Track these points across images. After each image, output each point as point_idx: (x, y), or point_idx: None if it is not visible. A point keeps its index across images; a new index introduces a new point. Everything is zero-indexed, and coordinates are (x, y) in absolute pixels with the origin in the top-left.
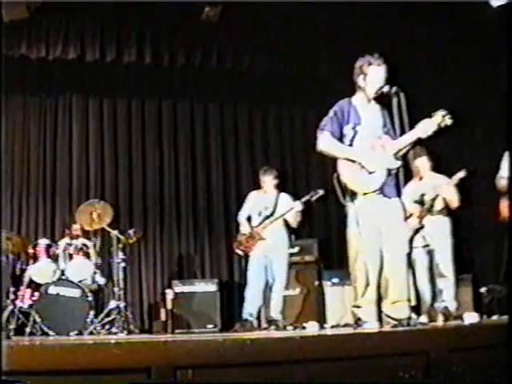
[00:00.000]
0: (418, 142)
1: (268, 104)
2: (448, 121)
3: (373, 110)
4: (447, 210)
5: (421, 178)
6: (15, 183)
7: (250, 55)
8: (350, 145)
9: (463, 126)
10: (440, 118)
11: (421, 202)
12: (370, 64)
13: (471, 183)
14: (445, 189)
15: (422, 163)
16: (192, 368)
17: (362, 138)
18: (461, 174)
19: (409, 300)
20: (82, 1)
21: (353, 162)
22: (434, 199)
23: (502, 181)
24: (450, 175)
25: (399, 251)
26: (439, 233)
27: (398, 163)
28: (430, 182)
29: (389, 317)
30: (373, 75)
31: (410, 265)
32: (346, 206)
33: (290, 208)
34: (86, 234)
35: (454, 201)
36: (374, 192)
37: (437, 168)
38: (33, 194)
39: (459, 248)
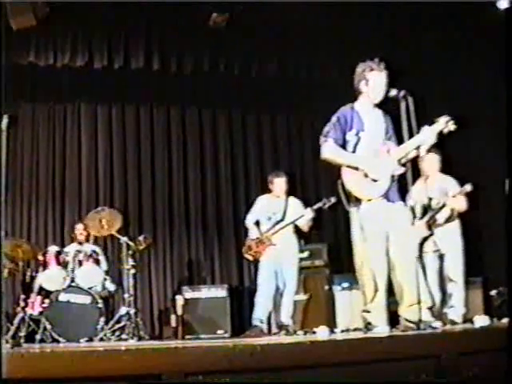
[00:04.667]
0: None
1: (276, 109)
2: (451, 127)
3: (375, 115)
4: (455, 215)
5: (427, 178)
6: (24, 190)
7: (257, 61)
8: (354, 151)
9: (471, 128)
10: (443, 125)
11: (428, 207)
12: (371, 69)
13: (478, 183)
14: (452, 199)
15: (430, 160)
16: (202, 374)
17: (366, 144)
18: (468, 188)
19: (425, 301)
20: (90, 8)
21: (357, 169)
22: (441, 207)
23: None
24: (456, 178)
25: (408, 255)
26: (449, 238)
27: (402, 169)
28: (438, 186)
29: (407, 320)
30: (375, 80)
31: (423, 267)
32: (350, 212)
33: (301, 215)
34: (95, 241)
35: (462, 209)
36: (377, 198)
37: (444, 170)
38: (42, 200)
39: (469, 250)
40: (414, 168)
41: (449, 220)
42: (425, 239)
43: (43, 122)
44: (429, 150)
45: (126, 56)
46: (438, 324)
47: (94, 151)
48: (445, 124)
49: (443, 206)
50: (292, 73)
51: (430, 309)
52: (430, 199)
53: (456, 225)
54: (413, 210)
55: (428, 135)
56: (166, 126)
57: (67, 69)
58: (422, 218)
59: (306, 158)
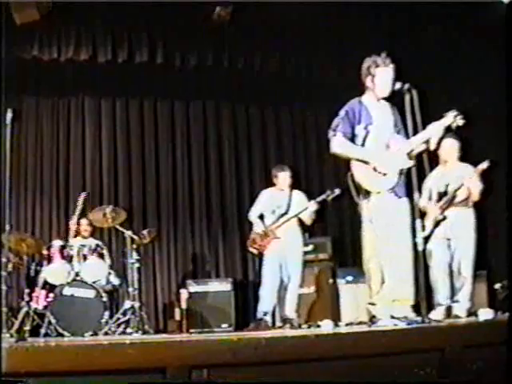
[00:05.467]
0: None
1: (280, 103)
2: (460, 121)
3: (383, 109)
4: (471, 202)
5: (445, 164)
6: (29, 184)
7: (261, 55)
8: (362, 145)
9: (475, 122)
10: (451, 119)
11: (444, 194)
12: (377, 65)
13: (483, 175)
14: (469, 179)
15: (450, 147)
16: (207, 368)
17: (374, 138)
18: (484, 165)
19: (409, 299)
20: (93, 1)
21: (366, 162)
22: (457, 189)
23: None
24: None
25: (402, 252)
26: (462, 227)
27: (411, 163)
28: (458, 174)
29: (392, 316)
30: (381, 76)
31: (425, 261)
32: (360, 204)
33: (305, 208)
34: (100, 235)
35: (477, 192)
36: (387, 191)
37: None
38: (46, 194)
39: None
40: (419, 163)
41: (464, 203)
42: (436, 225)
43: (47, 116)
44: (445, 137)
45: (130, 50)
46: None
47: (97, 145)
48: (453, 118)
49: (460, 187)
50: (295, 67)
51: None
52: (447, 186)
53: (470, 213)
54: (429, 195)
55: (436, 129)
56: (169, 120)
57: (71, 63)
58: (428, 211)
59: (310, 152)
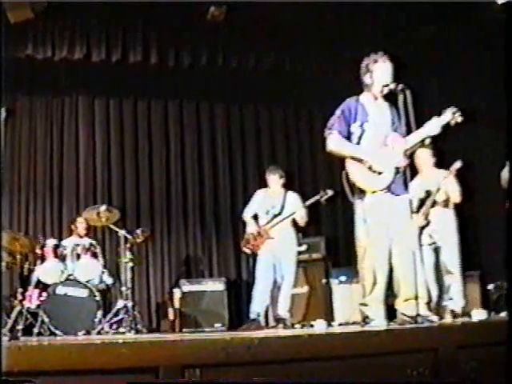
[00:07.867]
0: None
1: (274, 103)
2: (458, 118)
3: (381, 107)
4: (451, 204)
5: (422, 173)
6: (22, 183)
7: (255, 55)
8: (358, 143)
9: (469, 123)
10: (450, 116)
11: (425, 200)
12: (375, 62)
13: (475, 177)
14: (445, 180)
15: (424, 156)
16: (200, 367)
17: (371, 136)
18: (458, 165)
19: (421, 297)
20: (88, 1)
21: (361, 161)
22: (436, 192)
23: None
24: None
25: (408, 248)
26: (445, 228)
27: (406, 161)
28: (433, 178)
29: (404, 314)
30: (379, 72)
31: (422, 261)
32: (354, 204)
33: (293, 212)
34: (94, 234)
35: (456, 193)
36: (382, 190)
37: (441, 165)
38: (40, 194)
39: (466, 244)
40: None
41: (444, 203)
42: (420, 231)
43: (41, 115)
44: (421, 146)
45: (124, 50)
46: (435, 318)
47: (91, 144)
48: (452, 115)
49: (438, 189)
50: (289, 67)
51: (428, 304)
52: (427, 192)
53: (451, 216)
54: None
55: (434, 127)
56: (163, 119)
57: (65, 62)
58: (417, 211)
59: (304, 151)
